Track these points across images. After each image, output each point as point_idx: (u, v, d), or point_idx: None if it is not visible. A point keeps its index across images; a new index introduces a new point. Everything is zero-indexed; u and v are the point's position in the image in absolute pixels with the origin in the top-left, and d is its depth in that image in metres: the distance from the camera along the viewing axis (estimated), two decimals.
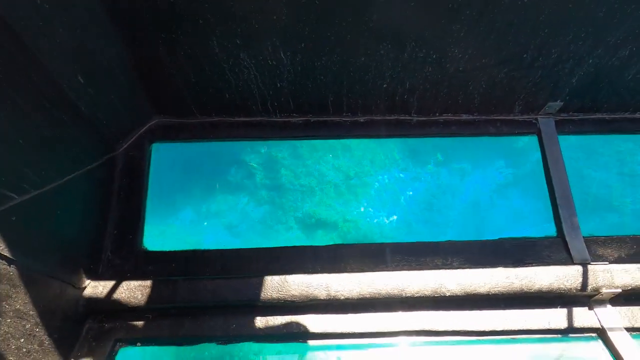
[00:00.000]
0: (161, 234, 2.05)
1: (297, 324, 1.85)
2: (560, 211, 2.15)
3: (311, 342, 1.86)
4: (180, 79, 2.00)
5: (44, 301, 1.52)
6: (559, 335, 1.90)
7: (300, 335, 1.85)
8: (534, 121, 2.38)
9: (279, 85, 2.08)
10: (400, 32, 1.83)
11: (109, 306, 1.81)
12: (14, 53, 1.35)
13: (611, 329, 1.87)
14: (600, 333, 1.89)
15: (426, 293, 1.85)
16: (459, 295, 1.86)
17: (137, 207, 2.06)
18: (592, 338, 1.90)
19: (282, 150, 2.31)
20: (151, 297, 1.81)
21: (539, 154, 2.32)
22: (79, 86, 1.69)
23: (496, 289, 1.87)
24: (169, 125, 2.27)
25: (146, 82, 2.03)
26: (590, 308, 1.93)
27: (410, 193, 2.28)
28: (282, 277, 1.86)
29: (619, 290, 1.87)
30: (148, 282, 1.85)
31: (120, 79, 1.89)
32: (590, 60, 2.03)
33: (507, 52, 1.95)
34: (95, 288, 1.81)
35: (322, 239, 2.05)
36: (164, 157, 2.23)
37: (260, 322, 1.84)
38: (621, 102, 2.33)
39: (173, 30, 1.75)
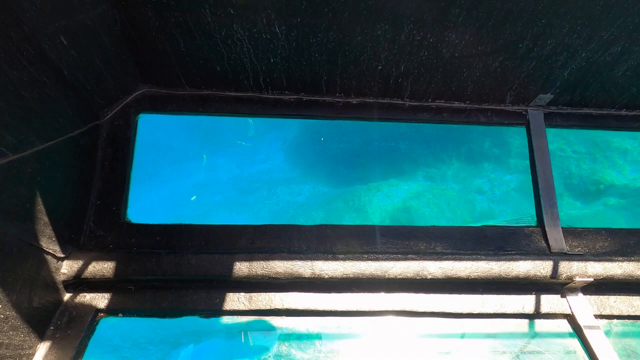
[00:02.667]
0: (145, 206, 2.02)
1: (281, 301, 1.87)
2: (541, 202, 2.21)
3: (294, 319, 1.89)
4: (170, 47, 1.93)
5: (23, 268, 1.49)
6: (532, 319, 1.99)
7: (283, 311, 1.88)
8: (523, 112, 2.41)
9: (272, 60, 2.02)
10: (398, 12, 1.79)
11: (90, 277, 1.78)
12: None
13: (580, 315, 1.96)
14: (570, 319, 1.99)
15: (408, 275, 1.89)
16: (440, 279, 1.91)
17: (121, 178, 2.01)
18: (562, 323, 1.99)
19: (273, 127, 2.28)
20: (134, 269, 1.79)
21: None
22: (61, 47, 1.60)
23: (476, 274, 1.92)
24: (156, 95, 2.20)
25: (133, 48, 1.95)
26: (563, 295, 2.02)
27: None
28: (267, 254, 1.86)
29: (591, 279, 1.95)
30: (131, 254, 1.83)
31: (105, 42, 1.81)
32: (584, 54, 2.05)
33: (504, 40, 1.95)
34: (76, 258, 1.78)
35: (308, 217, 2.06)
36: (150, 128, 2.17)
37: (244, 297, 1.85)
38: (608, 98, 2.37)
39: None
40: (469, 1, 1.74)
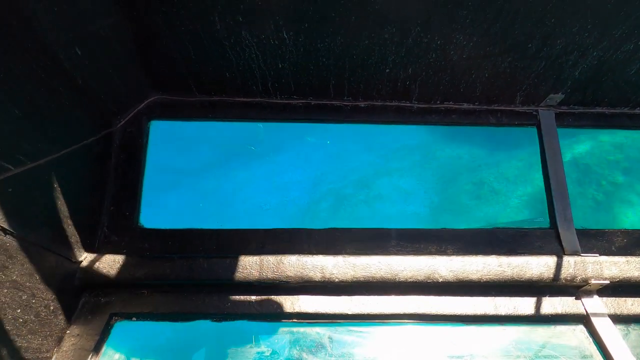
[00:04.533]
0: (158, 211, 2.05)
1: (291, 304, 1.88)
2: (554, 203, 2.18)
3: (304, 322, 1.89)
4: (180, 54, 1.97)
5: (40, 273, 1.53)
6: (546, 323, 1.96)
7: (294, 315, 1.88)
8: (534, 113, 2.38)
9: (280, 65, 2.05)
10: (405, 16, 1.80)
11: (104, 281, 1.82)
12: (9, 18, 1.31)
13: (596, 319, 1.92)
14: (586, 322, 1.95)
15: (419, 278, 1.88)
16: (451, 282, 1.89)
17: (134, 184, 2.05)
18: (578, 326, 1.95)
19: (282, 132, 2.30)
20: (147, 274, 1.82)
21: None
22: (76, 57, 1.65)
23: (488, 276, 1.90)
24: (167, 103, 2.24)
25: (145, 57, 1.99)
26: (578, 298, 1.98)
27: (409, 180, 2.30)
28: (278, 257, 1.87)
29: (607, 282, 1.91)
30: (144, 259, 1.86)
31: (118, 51, 1.85)
32: (595, 53, 2.02)
33: (512, 40, 1.93)
34: (91, 263, 1.82)
35: (317, 220, 2.07)
36: (162, 134, 2.21)
37: (255, 301, 1.86)
38: (622, 96, 2.33)
39: (174, 3, 1.70)
40: (476, 3, 1.74)
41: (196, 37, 1.87)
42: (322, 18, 1.79)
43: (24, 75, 1.41)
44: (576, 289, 1.99)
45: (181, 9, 1.72)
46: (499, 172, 2.34)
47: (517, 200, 2.27)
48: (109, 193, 2.02)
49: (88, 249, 1.87)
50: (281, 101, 2.29)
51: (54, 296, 1.61)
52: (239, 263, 1.84)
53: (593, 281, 1.91)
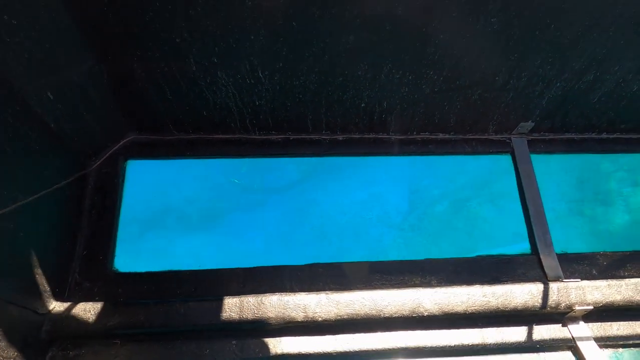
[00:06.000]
0: (133, 254, 1.98)
1: (274, 347, 1.80)
2: (534, 228, 2.20)
3: None
4: (156, 95, 1.97)
5: (1, 329, 1.43)
6: (534, 351, 1.92)
7: (277, 358, 1.80)
8: (507, 140, 2.45)
9: (257, 103, 2.07)
10: (377, 54, 1.86)
11: (74, 332, 1.71)
12: None
13: (583, 344, 1.90)
14: (574, 349, 1.92)
15: (404, 313, 1.84)
16: (436, 315, 1.86)
17: (109, 226, 1.99)
18: (566, 353, 1.92)
19: (261, 168, 2.29)
20: (120, 322, 1.73)
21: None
22: (47, 101, 1.63)
23: (473, 307, 1.88)
24: (144, 142, 2.22)
25: (120, 98, 1.99)
26: (564, 325, 1.96)
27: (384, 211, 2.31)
28: (258, 298, 1.81)
29: (591, 307, 1.91)
30: (117, 306, 1.77)
31: (92, 94, 1.84)
32: (558, 84, 2.12)
33: (480, 74, 2.02)
34: (60, 313, 1.72)
35: (299, 256, 2.03)
36: (139, 174, 2.17)
37: (235, 346, 1.78)
38: (588, 123, 2.43)
39: (148, 47, 1.73)
40: (443, 40, 1.82)
41: (172, 78, 1.89)
42: (296, 57, 1.84)
43: None
44: (562, 315, 1.97)
45: (156, 52, 1.74)
46: (478, 199, 2.37)
47: (498, 226, 2.30)
48: (82, 237, 1.95)
49: (57, 298, 1.77)
50: (260, 137, 2.30)
51: (16, 353, 1.50)
52: (217, 306, 1.77)
53: (577, 307, 1.91)
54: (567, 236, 2.29)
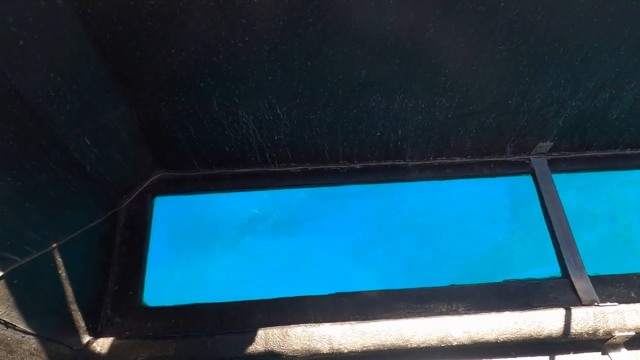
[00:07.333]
0: (161, 288, 2.04)
1: None
2: (562, 250, 2.13)
3: None
4: (182, 135, 2.10)
5: None
6: None
7: None
8: (526, 161, 2.44)
9: (276, 137, 2.17)
10: (389, 85, 1.94)
11: None
12: (25, 121, 1.44)
13: None
14: None
15: (432, 343, 1.79)
16: (466, 345, 1.80)
17: (138, 261, 2.07)
18: None
19: (281, 199, 2.36)
20: (149, 357, 1.76)
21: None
22: (85, 147, 1.77)
23: (504, 335, 1.81)
24: (171, 179, 2.34)
25: (149, 139, 2.13)
26: (605, 352, 1.85)
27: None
28: (283, 329, 1.81)
29: (632, 333, 1.81)
30: (147, 341, 1.81)
31: (124, 138, 1.99)
32: (574, 103, 2.12)
33: (492, 99, 2.05)
34: (93, 349, 1.77)
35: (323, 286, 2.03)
36: (166, 210, 2.28)
37: None
38: (609, 140, 2.39)
39: (175, 93, 1.87)
40: (453, 70, 1.88)
41: (196, 119, 2.01)
42: (312, 94, 1.94)
43: (35, 170, 1.51)
44: (601, 342, 1.87)
45: (182, 96, 1.88)
46: (499, 222, 2.34)
47: (523, 249, 2.24)
48: (113, 272, 2.03)
49: (90, 334, 1.83)
50: (279, 169, 2.38)
51: None
52: (242, 339, 1.78)
53: (618, 333, 1.81)
54: (598, 257, 2.20)
